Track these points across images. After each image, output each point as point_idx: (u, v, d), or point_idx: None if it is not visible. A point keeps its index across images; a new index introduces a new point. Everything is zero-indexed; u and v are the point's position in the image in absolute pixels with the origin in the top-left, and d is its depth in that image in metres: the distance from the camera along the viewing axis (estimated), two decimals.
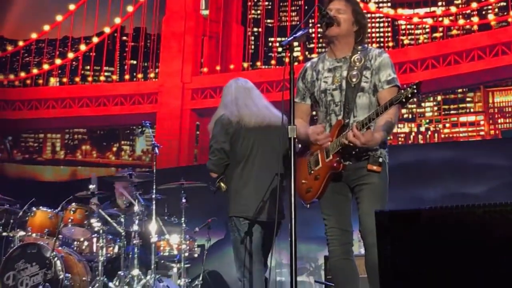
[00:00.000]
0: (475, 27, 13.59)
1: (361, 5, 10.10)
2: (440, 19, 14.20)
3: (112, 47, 15.59)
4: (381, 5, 14.74)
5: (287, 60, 3.61)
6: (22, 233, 7.42)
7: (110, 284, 7.03)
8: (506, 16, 13.43)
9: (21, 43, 15.30)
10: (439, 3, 14.30)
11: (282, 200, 4.84)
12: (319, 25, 4.26)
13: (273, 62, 14.75)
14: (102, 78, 15.67)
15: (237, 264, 5.19)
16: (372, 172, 3.97)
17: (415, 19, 14.23)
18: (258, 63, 14.66)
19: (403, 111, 13.60)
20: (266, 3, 15.29)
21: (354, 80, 4.08)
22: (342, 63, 4.16)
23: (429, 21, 14.04)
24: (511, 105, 13.55)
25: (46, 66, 15.38)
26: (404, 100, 3.61)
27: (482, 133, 13.38)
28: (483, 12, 14.00)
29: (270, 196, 5.04)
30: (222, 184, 5.17)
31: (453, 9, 14.20)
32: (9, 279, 6.90)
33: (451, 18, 14.12)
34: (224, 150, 5.14)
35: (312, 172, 4.18)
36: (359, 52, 4.14)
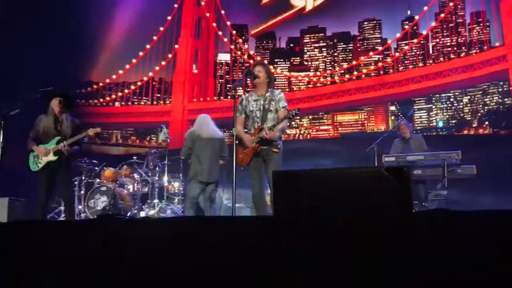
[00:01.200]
0: (328, 82, 17.25)
1: (272, 68, 13.93)
2: (312, 78, 17.61)
3: (148, 87, 19.05)
4: (283, 69, 17.97)
5: (231, 96, 5.62)
6: (98, 180, 9.19)
7: (143, 207, 8.92)
8: (345, 77, 17.13)
9: (101, 84, 18.52)
10: (311, 70, 17.81)
11: (217, 172, 7.06)
12: (249, 78, 5.65)
13: (229, 97, 17.22)
14: (142, 103, 19.02)
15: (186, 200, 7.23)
16: (274, 153, 5.41)
17: (299, 77, 17.76)
18: (222, 97, 18.19)
19: (294, 122, 15.99)
20: (227, 68, 18.53)
21: (266, 106, 5.47)
22: (261, 97, 5.52)
23: (306, 78, 17.58)
24: (345, 121, 17.27)
25: (114, 96, 18.68)
26: (290, 117, 5.35)
27: (330, 134, 16.99)
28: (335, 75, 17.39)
29: (212, 169, 6.95)
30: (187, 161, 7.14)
31: (318, 73, 17.64)
32: (91, 203, 8.77)
33: (316, 78, 17.56)
34: (188, 147, 7.07)
35: (244, 151, 5.50)
36: (269, 92, 5.52)
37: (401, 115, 16.12)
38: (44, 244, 2.92)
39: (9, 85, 10.03)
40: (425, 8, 16.31)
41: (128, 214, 8.69)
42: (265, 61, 17.22)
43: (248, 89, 14.85)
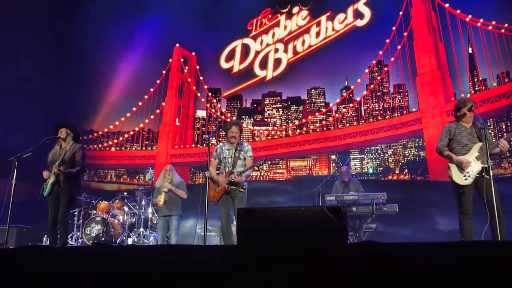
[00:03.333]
0: (283, 135, 17.23)
1: (249, 123, 15.17)
2: (270, 131, 17.67)
3: (139, 135, 18.88)
4: (247, 124, 17.99)
5: (206, 144, 5.58)
6: (94, 211, 9.03)
7: (130, 234, 8.79)
8: (296, 132, 17.30)
9: (100, 132, 18.31)
10: (270, 125, 17.96)
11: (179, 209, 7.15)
12: (224, 132, 5.65)
13: (204, 145, 16.61)
14: (133, 148, 18.77)
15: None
16: (240, 192, 5.35)
17: (261, 131, 17.78)
18: (198, 145, 17.84)
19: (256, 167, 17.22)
20: (203, 122, 18.58)
21: (237, 155, 5.47)
22: (232, 148, 5.50)
23: (266, 132, 17.58)
24: (296, 166, 17.08)
25: (110, 142, 18.47)
26: (257, 167, 5.40)
27: (285, 176, 16.84)
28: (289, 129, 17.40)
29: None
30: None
31: (275, 127, 17.72)
32: (87, 230, 8.53)
33: (274, 132, 17.66)
34: (156, 193, 7.32)
35: (216, 190, 5.45)
36: (239, 145, 5.53)
37: (340, 163, 16.27)
38: (41, 265, 2.77)
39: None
40: (359, 80, 16.66)
41: (118, 240, 8.58)
42: (234, 117, 17.54)
43: (220, 139, 15.05)
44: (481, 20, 13.76)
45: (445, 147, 5.09)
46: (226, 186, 5.40)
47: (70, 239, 8.44)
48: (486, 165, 4.61)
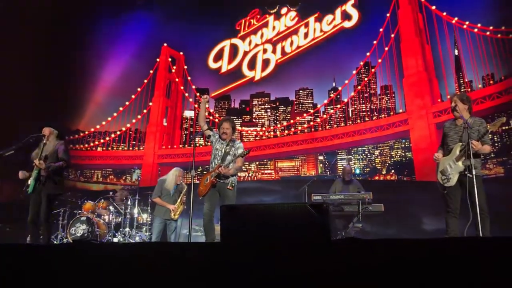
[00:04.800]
0: (272, 136, 17.19)
1: (238, 123, 15.12)
2: (259, 132, 17.72)
3: (125, 135, 18.88)
4: (236, 124, 18.81)
5: (193, 145, 5.81)
6: (79, 211, 8.75)
7: (116, 234, 8.61)
8: (284, 132, 17.26)
9: (86, 132, 18.36)
10: (258, 126, 18.07)
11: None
12: (218, 128, 5.57)
13: (191, 145, 14.52)
14: (120, 148, 18.73)
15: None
16: (229, 190, 5.31)
17: (249, 131, 17.88)
18: (186, 145, 17.85)
19: (244, 167, 15.58)
20: (191, 122, 18.55)
21: (227, 150, 5.44)
22: (224, 143, 5.49)
23: (254, 132, 17.68)
24: (284, 166, 17.28)
25: (97, 142, 18.49)
26: (242, 156, 5.32)
27: (273, 177, 16.97)
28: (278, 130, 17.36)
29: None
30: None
31: (263, 128, 17.88)
32: (72, 230, 8.23)
33: (262, 132, 17.69)
34: (159, 193, 7.26)
35: (204, 183, 5.41)
36: (231, 141, 5.52)
37: (327, 163, 16.37)
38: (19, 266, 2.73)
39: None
40: (346, 81, 16.80)
41: (103, 239, 8.34)
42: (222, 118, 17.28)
43: (208, 140, 15.60)
44: (467, 23, 13.96)
45: (440, 148, 5.14)
46: (214, 179, 5.32)
47: (54, 239, 8.36)
48: (467, 164, 4.63)
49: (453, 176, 4.79)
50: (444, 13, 14.40)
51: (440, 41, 14.53)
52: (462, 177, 4.78)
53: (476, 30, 13.71)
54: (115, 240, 8.45)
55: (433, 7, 14.61)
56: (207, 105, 6.20)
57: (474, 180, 4.46)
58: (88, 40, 15.09)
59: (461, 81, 14.56)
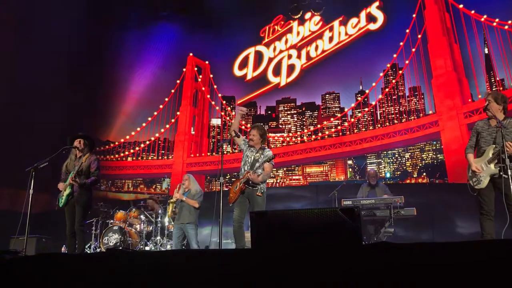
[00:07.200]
0: (299, 141, 17.19)
1: (266, 128, 14.63)
2: (286, 138, 17.70)
3: (154, 145, 19.10)
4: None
5: (220, 152, 5.63)
6: (111, 220, 9.02)
7: (147, 242, 8.73)
8: (312, 137, 17.14)
9: (116, 143, 18.66)
10: (285, 132, 18.10)
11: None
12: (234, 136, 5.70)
13: (219, 152, 17.51)
14: (149, 157, 18.99)
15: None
16: (258, 196, 5.32)
17: (276, 137, 17.79)
18: (214, 153, 17.97)
19: (272, 173, 16.80)
20: (218, 130, 18.77)
21: (257, 158, 5.48)
22: (254, 151, 5.55)
23: (281, 138, 17.73)
24: (313, 172, 17.31)
25: (127, 153, 18.79)
26: (268, 160, 5.32)
27: (301, 182, 16.90)
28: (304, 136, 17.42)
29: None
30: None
31: (290, 134, 17.83)
32: (105, 240, 8.53)
33: (289, 138, 17.65)
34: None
35: (234, 190, 5.46)
36: (261, 149, 5.57)
37: (357, 168, 16.24)
38: (59, 273, 2.79)
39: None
40: (373, 84, 16.66)
41: (136, 248, 8.50)
42: (248, 125, 17.35)
43: (235, 147, 16.05)
44: (497, 20, 13.65)
45: (470, 148, 4.98)
46: (243, 185, 5.35)
47: (88, 248, 8.48)
48: (502, 165, 4.49)
49: (484, 178, 4.66)
50: (472, 11, 14.15)
51: (469, 40, 14.29)
52: (496, 178, 4.64)
53: (506, 27, 13.38)
54: (147, 248, 8.47)
55: (461, 6, 14.38)
56: (241, 118, 6.17)
57: (510, 181, 4.31)
58: (115, 53, 15.41)
59: (492, 80, 14.18)
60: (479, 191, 4.72)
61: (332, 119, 17.39)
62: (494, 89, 13.88)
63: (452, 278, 1.86)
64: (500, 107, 4.74)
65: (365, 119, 16.79)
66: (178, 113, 18.60)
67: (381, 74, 16.50)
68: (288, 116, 18.56)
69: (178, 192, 7.43)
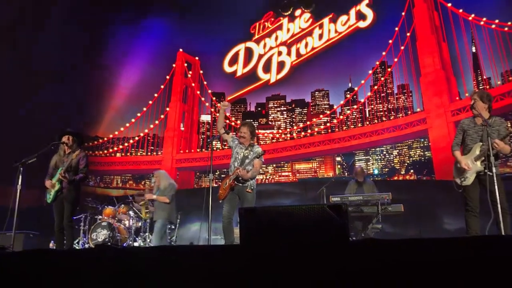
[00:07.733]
0: (288, 138, 17.22)
1: (256, 126, 14.33)
2: (275, 134, 18.04)
3: (144, 141, 19.21)
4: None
5: (210, 148, 5.56)
6: (100, 216, 8.80)
7: (136, 238, 8.51)
8: (301, 134, 17.07)
9: (105, 138, 18.77)
10: (274, 128, 18.32)
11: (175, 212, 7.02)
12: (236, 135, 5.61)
13: (209, 149, 17.95)
14: (139, 153, 19.09)
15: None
16: (248, 193, 5.32)
17: (265, 134, 17.99)
18: (203, 149, 18.16)
19: (261, 169, 16.97)
20: (208, 126, 18.81)
21: (246, 154, 5.45)
22: (244, 148, 5.51)
23: (270, 135, 17.83)
24: (302, 168, 17.63)
25: (115, 148, 18.84)
26: (258, 156, 5.30)
27: (290, 179, 17.28)
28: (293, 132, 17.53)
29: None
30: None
31: (280, 130, 18.18)
32: (93, 236, 8.31)
33: (278, 135, 17.95)
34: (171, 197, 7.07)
35: (224, 187, 5.45)
36: (250, 146, 5.54)
37: (345, 164, 16.34)
38: (48, 269, 2.77)
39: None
40: (362, 81, 16.72)
41: (124, 244, 8.34)
42: (238, 121, 17.48)
43: (225, 143, 15.44)
44: (484, 19, 13.80)
45: (456, 146, 5.02)
46: (233, 182, 5.33)
47: (76, 244, 8.38)
48: (487, 163, 4.55)
49: (470, 175, 4.72)
50: (461, 10, 14.29)
51: (457, 39, 14.51)
52: (481, 175, 4.70)
53: (493, 26, 13.54)
54: (136, 244, 8.40)
55: (449, 4, 14.54)
56: (225, 112, 6.12)
57: (495, 178, 4.37)
58: (105, 47, 15.33)
59: (479, 78, 14.38)
60: (464, 188, 4.78)
61: (321, 116, 17.54)
62: (481, 87, 14.02)
63: (438, 274, 1.88)
64: (485, 105, 4.80)
65: (354, 116, 16.88)
66: (167, 109, 18.72)
67: (370, 72, 16.58)
68: (278, 113, 18.78)
69: (148, 193, 7.38)
